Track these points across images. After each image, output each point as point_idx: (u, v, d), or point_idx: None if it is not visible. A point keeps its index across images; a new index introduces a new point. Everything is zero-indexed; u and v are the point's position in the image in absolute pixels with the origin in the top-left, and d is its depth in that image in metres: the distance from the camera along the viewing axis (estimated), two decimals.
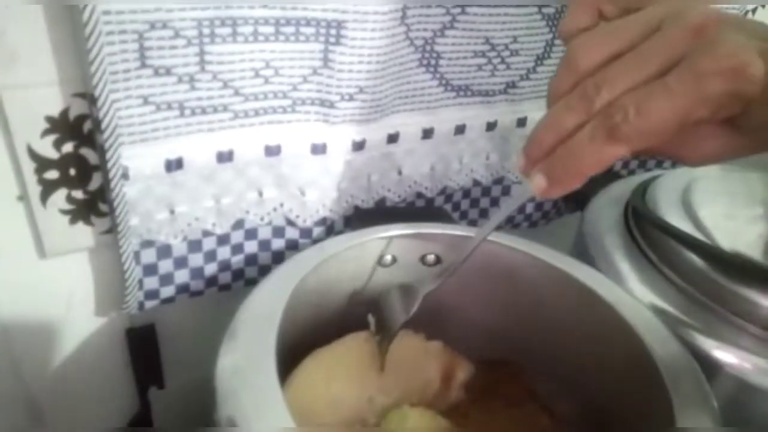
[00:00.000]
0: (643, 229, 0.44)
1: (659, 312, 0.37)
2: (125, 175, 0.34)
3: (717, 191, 0.47)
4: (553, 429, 0.37)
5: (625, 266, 0.42)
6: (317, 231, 0.44)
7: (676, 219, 0.42)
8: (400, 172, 0.46)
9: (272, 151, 0.39)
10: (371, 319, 0.37)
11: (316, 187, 0.42)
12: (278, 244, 0.44)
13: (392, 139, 0.44)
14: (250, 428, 0.25)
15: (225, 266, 0.43)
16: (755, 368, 0.35)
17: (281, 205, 0.42)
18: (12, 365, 0.42)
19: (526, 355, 0.41)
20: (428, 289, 0.36)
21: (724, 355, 0.36)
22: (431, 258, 0.42)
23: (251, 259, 0.44)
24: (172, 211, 0.38)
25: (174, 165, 0.36)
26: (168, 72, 0.33)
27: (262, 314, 0.31)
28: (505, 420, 0.38)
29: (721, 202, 0.45)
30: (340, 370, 0.37)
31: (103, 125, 0.32)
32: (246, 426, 0.25)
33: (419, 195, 0.49)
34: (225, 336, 0.30)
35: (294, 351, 0.37)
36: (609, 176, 0.58)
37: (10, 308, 0.40)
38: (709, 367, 0.34)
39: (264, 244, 0.43)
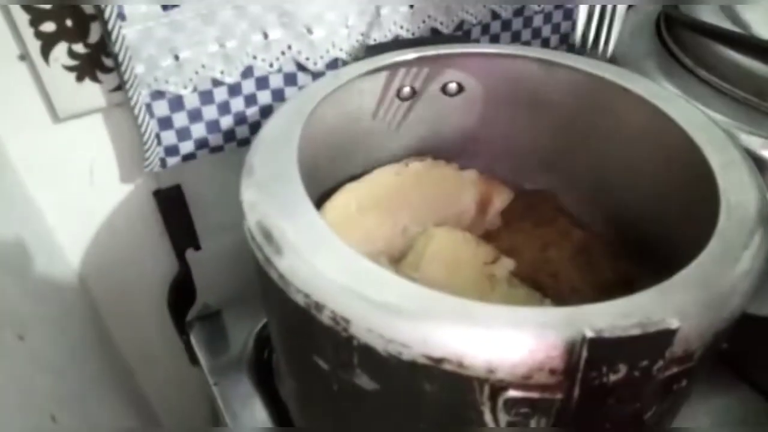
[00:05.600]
0: (678, 37, 0.41)
1: None
2: (121, 15, 0.33)
3: None
4: (585, 240, 0.36)
5: (658, 73, 0.39)
6: None
7: (715, 20, 0.39)
8: (411, 5, 0.43)
9: None
10: None
11: (323, 23, 0.40)
12: (292, 92, 0.42)
13: None
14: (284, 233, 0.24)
15: (241, 119, 0.42)
16: None
17: (289, 47, 0.40)
18: (48, 240, 0.43)
19: (559, 174, 0.40)
20: None
21: None
22: (453, 87, 0.40)
23: (266, 111, 0.42)
24: (176, 57, 0.36)
25: (170, 1, 0.34)
26: None
27: (280, 135, 0.30)
28: (536, 237, 0.37)
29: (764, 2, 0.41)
30: (372, 203, 0.37)
31: None
32: (278, 229, 0.24)
33: (435, 32, 0.46)
34: (245, 163, 0.29)
35: (320, 192, 0.37)
36: None
37: (33, 180, 0.40)
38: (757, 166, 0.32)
39: (277, 94, 0.42)
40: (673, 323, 0.18)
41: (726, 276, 0.22)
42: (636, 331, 0.18)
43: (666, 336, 0.18)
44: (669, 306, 0.20)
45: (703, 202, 0.26)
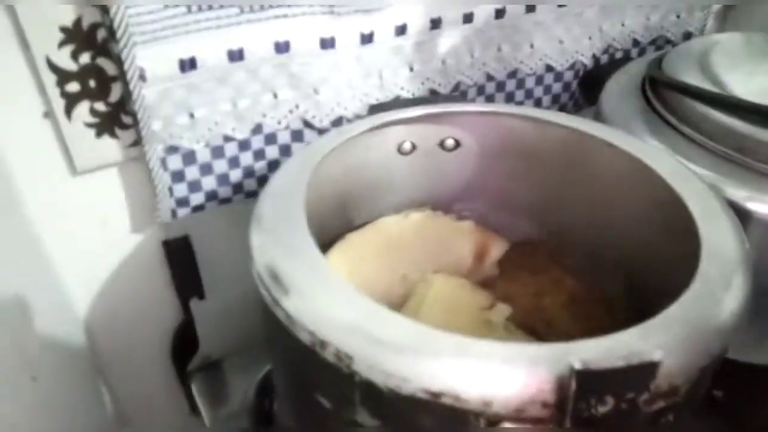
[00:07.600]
0: (662, 97, 0.44)
1: None
2: (142, 77, 0.36)
3: (736, 53, 0.46)
4: (578, 289, 0.38)
5: (645, 132, 0.42)
6: None
7: (696, 81, 0.42)
8: (411, 68, 0.46)
9: (282, 47, 0.39)
10: None
11: (329, 85, 0.43)
12: (298, 147, 0.45)
13: (400, 30, 0.44)
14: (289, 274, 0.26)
15: (249, 172, 0.44)
16: None
17: (297, 106, 0.43)
18: (58, 287, 0.44)
19: (552, 224, 0.41)
20: None
21: (754, 204, 0.36)
22: (450, 142, 0.42)
23: (274, 165, 0.45)
24: (191, 115, 0.39)
25: (187, 65, 0.37)
26: None
27: (287, 187, 0.32)
28: (531, 286, 0.39)
29: (740, 61, 0.44)
30: (372, 251, 0.38)
31: (116, 24, 0.33)
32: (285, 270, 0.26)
33: (433, 92, 0.49)
34: (254, 212, 0.31)
35: (325, 242, 0.38)
36: (623, 61, 0.57)
37: (48, 230, 0.42)
38: (740, 217, 0.33)
39: (284, 149, 0.44)
40: (656, 356, 0.19)
41: (707, 314, 0.23)
42: (621, 363, 0.19)
43: (649, 368, 0.19)
44: (652, 342, 0.21)
45: (687, 250, 0.28)
